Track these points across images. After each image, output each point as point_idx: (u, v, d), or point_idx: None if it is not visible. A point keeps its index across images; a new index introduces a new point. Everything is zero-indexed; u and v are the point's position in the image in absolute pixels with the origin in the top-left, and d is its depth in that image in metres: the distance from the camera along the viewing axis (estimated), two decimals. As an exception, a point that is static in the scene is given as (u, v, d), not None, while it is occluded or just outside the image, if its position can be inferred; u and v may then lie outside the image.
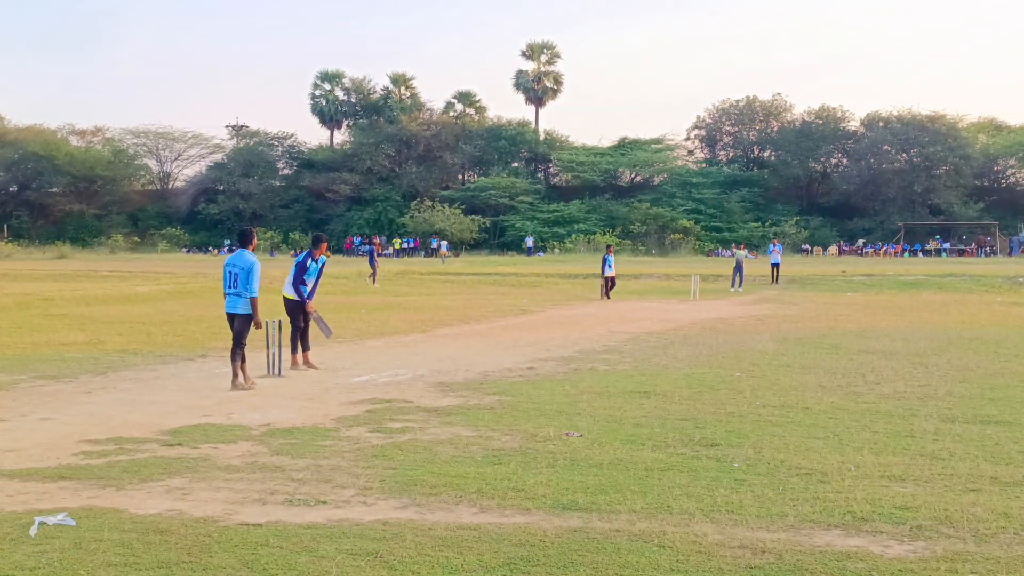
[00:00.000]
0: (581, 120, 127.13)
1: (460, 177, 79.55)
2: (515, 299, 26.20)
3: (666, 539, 5.10)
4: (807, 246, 65.03)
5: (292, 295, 12.17)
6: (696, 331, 16.99)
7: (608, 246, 29.85)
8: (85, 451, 7.28)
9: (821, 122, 73.55)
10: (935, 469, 6.65)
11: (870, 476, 6.45)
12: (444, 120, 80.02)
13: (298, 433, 7.97)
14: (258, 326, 10.55)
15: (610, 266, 26.92)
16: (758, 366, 12.05)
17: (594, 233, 65.96)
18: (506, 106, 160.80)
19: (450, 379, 11.04)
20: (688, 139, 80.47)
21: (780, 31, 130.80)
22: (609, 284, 26.95)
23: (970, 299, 25.99)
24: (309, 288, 12.24)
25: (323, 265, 12.49)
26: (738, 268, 31.71)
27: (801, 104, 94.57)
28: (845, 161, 73.12)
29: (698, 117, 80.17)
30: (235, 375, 10.39)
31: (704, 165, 77.83)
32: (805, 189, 74.59)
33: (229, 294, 10.51)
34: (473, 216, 69.89)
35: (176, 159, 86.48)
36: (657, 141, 78.63)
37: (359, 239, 70.18)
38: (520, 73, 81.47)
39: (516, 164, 79.05)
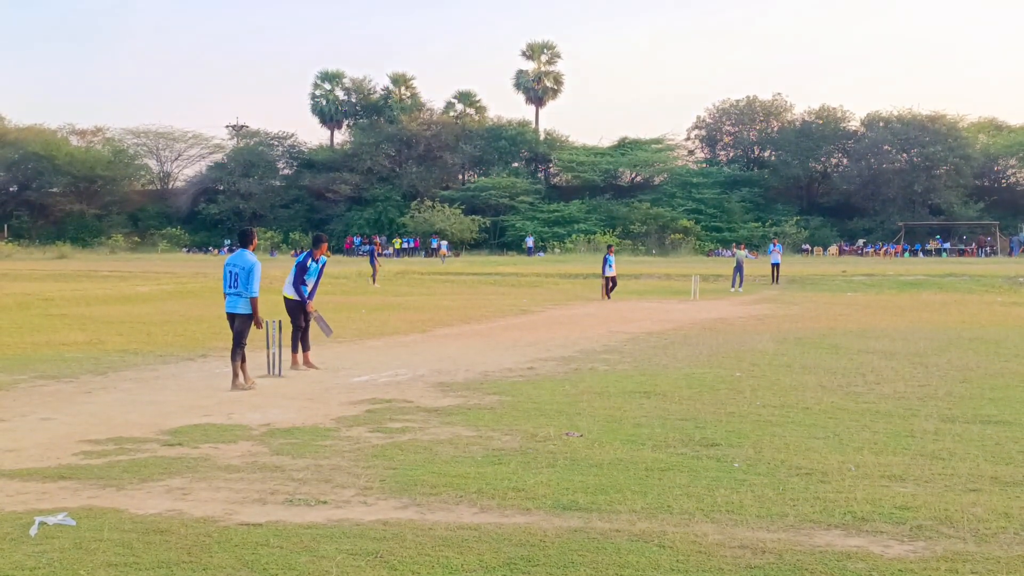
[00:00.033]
0: (581, 120, 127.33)
1: (460, 177, 79.56)
2: (515, 299, 26.19)
3: (666, 539, 5.10)
4: (807, 246, 65.04)
5: (292, 295, 12.18)
6: (696, 331, 16.98)
7: (609, 246, 29.84)
8: (85, 451, 7.28)
9: (821, 122, 73.55)
10: (935, 469, 6.65)
11: (870, 476, 6.45)
12: (444, 120, 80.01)
13: (298, 433, 7.97)
14: (259, 326, 10.57)
15: (611, 266, 26.92)
16: (758, 366, 12.05)
17: (594, 233, 65.95)
18: (506, 106, 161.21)
19: (450, 379, 11.04)
20: (688, 139, 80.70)
21: (780, 31, 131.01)
22: (610, 284, 26.95)
23: (970, 299, 25.98)
24: (309, 288, 12.25)
25: (323, 265, 12.50)
26: (738, 268, 31.70)
27: (801, 104, 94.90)
28: (845, 161, 73.13)
29: (698, 117, 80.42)
30: (235, 375, 10.40)
31: (704, 165, 77.84)
32: (805, 189, 74.61)
33: (229, 294, 10.51)
34: (473, 216, 69.90)
35: (176, 159, 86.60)
36: (657, 141, 78.65)
37: (359, 239, 70.19)
38: (520, 73, 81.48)
39: (516, 164, 79.08)
